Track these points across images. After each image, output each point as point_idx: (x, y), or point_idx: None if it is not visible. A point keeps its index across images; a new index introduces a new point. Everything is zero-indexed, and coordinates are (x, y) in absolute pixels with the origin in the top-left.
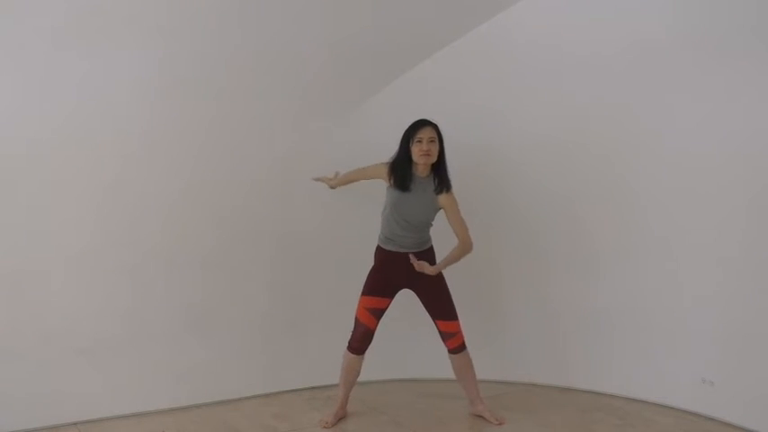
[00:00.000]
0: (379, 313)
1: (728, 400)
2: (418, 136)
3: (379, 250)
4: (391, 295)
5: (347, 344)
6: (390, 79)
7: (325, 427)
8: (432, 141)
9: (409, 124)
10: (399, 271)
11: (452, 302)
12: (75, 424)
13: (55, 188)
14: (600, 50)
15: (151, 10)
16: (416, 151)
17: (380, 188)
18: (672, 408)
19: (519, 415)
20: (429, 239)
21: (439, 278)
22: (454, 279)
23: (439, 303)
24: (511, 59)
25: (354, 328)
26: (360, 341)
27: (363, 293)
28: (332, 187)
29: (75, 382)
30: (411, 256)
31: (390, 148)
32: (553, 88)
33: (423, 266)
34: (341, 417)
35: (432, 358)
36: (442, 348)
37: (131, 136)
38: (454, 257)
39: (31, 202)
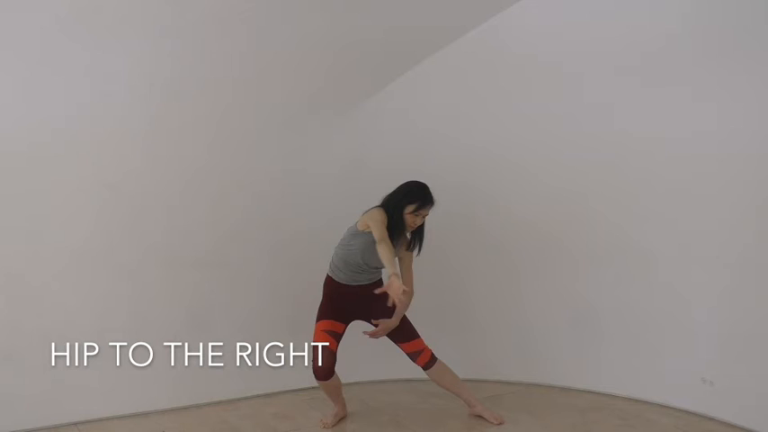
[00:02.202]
0: (337, 336)
1: (728, 400)
2: (420, 211)
3: (329, 281)
4: (346, 322)
5: (313, 374)
6: (390, 79)
7: (325, 428)
8: (425, 217)
9: (417, 187)
10: (351, 302)
11: (409, 322)
12: (75, 424)
13: (55, 188)
14: (599, 51)
15: (153, 10)
16: (410, 221)
17: (379, 187)
18: (672, 408)
19: (519, 415)
20: (380, 273)
21: (386, 304)
22: (455, 280)
23: (396, 329)
24: (510, 59)
25: (314, 356)
26: (325, 366)
27: (318, 320)
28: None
29: (76, 382)
30: (367, 335)
31: (388, 150)
32: (553, 88)
33: (385, 328)
34: (341, 417)
35: None
36: (441, 349)
37: (132, 136)
38: (406, 307)
39: (31, 202)
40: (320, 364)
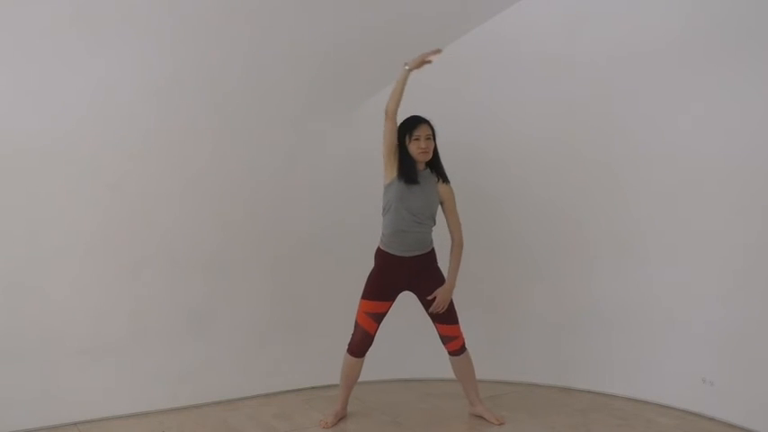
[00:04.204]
0: (379, 317)
1: (728, 400)
2: (415, 134)
3: (380, 253)
4: (392, 299)
5: (347, 346)
6: (390, 79)
7: (325, 427)
8: (428, 138)
9: (404, 120)
10: (401, 274)
11: (453, 306)
12: (75, 424)
13: (56, 188)
14: (598, 51)
15: (154, 11)
16: (414, 149)
17: (381, 186)
18: (672, 408)
19: (519, 415)
20: (431, 240)
21: (440, 282)
22: None
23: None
24: (510, 61)
25: (354, 331)
26: (359, 345)
27: (363, 297)
28: (407, 68)
29: (76, 382)
30: (431, 313)
31: None
32: (552, 90)
33: (446, 296)
34: (341, 417)
35: (432, 358)
36: (442, 348)
37: (133, 137)
38: (458, 260)
39: (31, 202)
40: (356, 342)
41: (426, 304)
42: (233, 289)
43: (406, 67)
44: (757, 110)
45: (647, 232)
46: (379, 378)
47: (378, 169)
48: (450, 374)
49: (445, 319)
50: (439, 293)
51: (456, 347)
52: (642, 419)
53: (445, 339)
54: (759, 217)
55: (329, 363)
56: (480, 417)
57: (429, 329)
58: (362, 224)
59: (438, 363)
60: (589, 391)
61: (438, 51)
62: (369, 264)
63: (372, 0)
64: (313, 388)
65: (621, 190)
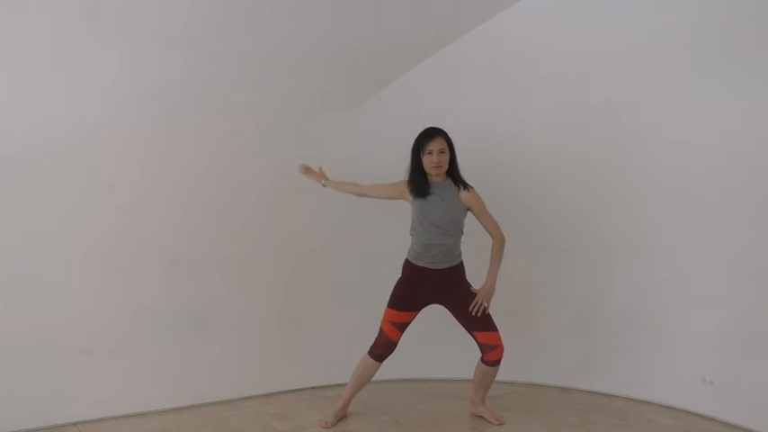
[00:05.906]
0: (403, 326)
1: (729, 400)
2: (428, 148)
3: (407, 265)
4: (417, 310)
5: (369, 348)
6: (390, 79)
7: (324, 427)
8: (442, 152)
9: (419, 133)
10: (428, 287)
11: (488, 312)
12: (75, 424)
13: (56, 188)
14: (601, 52)
15: (154, 11)
16: (428, 163)
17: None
18: (672, 408)
19: (519, 415)
20: (460, 253)
21: (467, 289)
22: None
23: (476, 316)
24: (511, 60)
25: (378, 336)
26: (382, 350)
27: (389, 306)
28: (323, 185)
29: (76, 382)
30: (473, 310)
31: (390, 148)
32: (554, 90)
33: (488, 294)
34: (341, 417)
35: (432, 358)
36: (442, 349)
37: (133, 137)
38: (498, 257)
39: (31, 202)
40: (379, 346)
41: (460, 314)
42: (233, 289)
43: (322, 183)
44: (762, 110)
45: (650, 234)
46: (380, 378)
47: (378, 170)
48: (450, 375)
49: (483, 325)
50: (480, 291)
51: (496, 357)
52: (642, 419)
53: (485, 348)
54: (759, 218)
55: (329, 363)
56: (480, 417)
57: (429, 330)
58: (363, 224)
59: (438, 363)
60: (589, 391)
61: (303, 167)
62: (369, 263)
63: (372, 1)
64: (313, 388)
65: (622, 192)
